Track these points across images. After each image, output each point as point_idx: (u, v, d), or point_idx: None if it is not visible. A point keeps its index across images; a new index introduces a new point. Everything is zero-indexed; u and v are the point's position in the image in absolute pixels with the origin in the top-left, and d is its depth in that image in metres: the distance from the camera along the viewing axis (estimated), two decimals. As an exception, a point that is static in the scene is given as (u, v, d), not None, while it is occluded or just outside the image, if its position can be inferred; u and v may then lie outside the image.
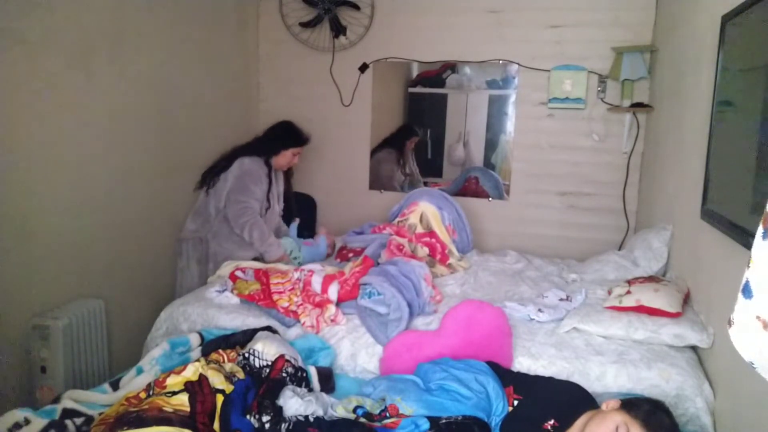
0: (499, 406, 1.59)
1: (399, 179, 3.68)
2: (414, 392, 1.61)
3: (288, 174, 3.05)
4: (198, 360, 1.63)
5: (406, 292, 2.12)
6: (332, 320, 2.09)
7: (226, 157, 2.79)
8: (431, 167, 3.62)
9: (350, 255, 2.78)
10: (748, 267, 0.66)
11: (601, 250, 2.89)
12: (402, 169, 3.67)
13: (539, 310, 2.17)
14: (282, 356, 1.68)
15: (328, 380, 1.75)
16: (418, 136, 3.60)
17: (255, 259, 2.73)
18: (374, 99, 3.60)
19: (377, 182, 3.69)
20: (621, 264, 2.50)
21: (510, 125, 3.41)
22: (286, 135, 2.86)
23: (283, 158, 2.86)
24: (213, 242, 2.76)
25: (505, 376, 1.72)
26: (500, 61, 3.35)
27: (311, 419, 1.45)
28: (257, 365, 1.67)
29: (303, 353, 1.86)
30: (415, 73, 3.54)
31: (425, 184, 3.59)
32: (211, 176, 2.77)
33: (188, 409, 1.41)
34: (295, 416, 1.45)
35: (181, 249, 2.83)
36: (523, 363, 1.87)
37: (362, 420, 1.50)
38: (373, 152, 3.67)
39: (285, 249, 2.78)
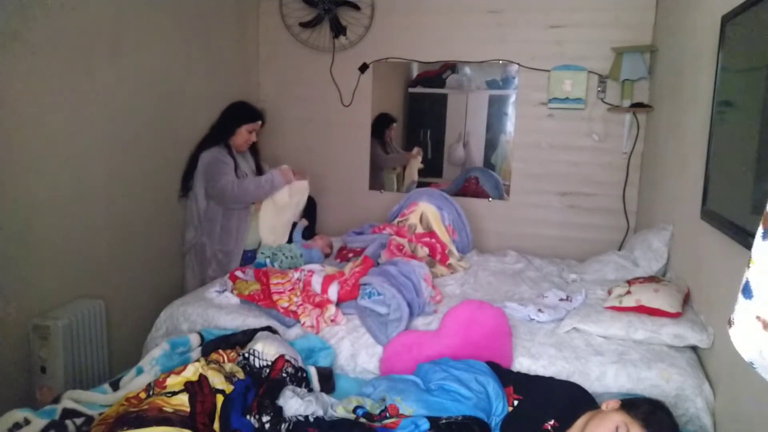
0: (499, 406, 1.59)
1: (386, 157, 3.72)
2: (414, 392, 1.61)
3: (255, 154, 3.04)
4: (198, 360, 1.63)
5: (406, 292, 2.12)
6: (332, 320, 2.09)
7: (192, 157, 2.82)
8: (431, 167, 3.62)
9: (350, 255, 2.78)
10: (748, 267, 0.66)
11: (601, 250, 2.89)
12: (385, 154, 3.72)
13: (539, 310, 2.17)
14: (282, 356, 1.68)
15: (328, 380, 1.75)
16: (396, 122, 3.66)
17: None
18: (374, 99, 3.60)
19: (372, 176, 3.71)
20: (621, 264, 2.50)
21: (510, 125, 3.41)
22: (236, 113, 2.86)
23: (239, 137, 2.84)
24: (208, 244, 2.79)
25: (505, 376, 1.71)
26: (500, 61, 3.35)
27: (311, 419, 1.45)
28: (257, 365, 1.67)
29: (303, 353, 1.86)
30: (415, 73, 3.54)
31: (425, 184, 3.60)
32: (186, 181, 2.82)
33: (188, 409, 1.41)
34: (295, 416, 1.45)
35: (186, 262, 2.88)
36: (523, 363, 1.87)
37: (362, 420, 1.49)
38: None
39: (292, 252, 2.78)
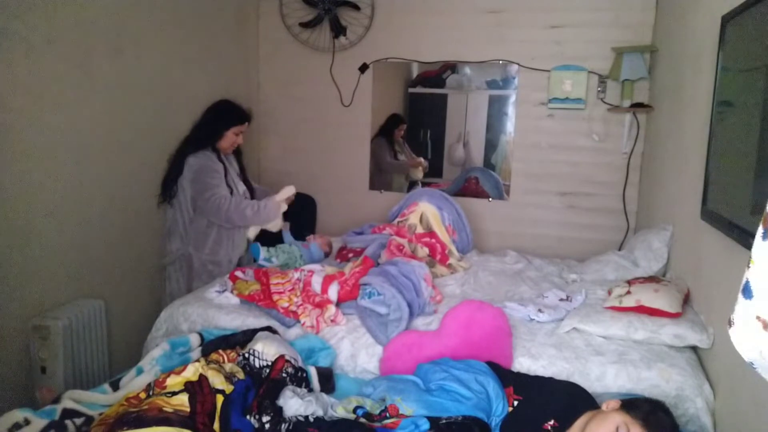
0: (499, 406, 1.59)
1: (393, 162, 3.70)
2: (414, 392, 1.61)
3: (238, 155, 2.83)
4: (198, 360, 1.63)
5: (406, 292, 2.12)
6: (332, 320, 2.09)
7: (175, 161, 2.60)
8: (431, 167, 3.62)
9: (350, 255, 2.78)
10: (748, 267, 0.66)
11: (601, 250, 2.89)
12: (394, 156, 3.69)
13: (539, 310, 2.17)
14: (282, 356, 1.68)
15: (328, 380, 1.75)
16: (405, 123, 3.64)
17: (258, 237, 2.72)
18: (374, 99, 3.60)
19: (377, 176, 3.71)
20: (621, 264, 2.50)
21: (510, 125, 3.41)
22: (223, 115, 2.65)
23: (226, 140, 2.65)
24: (196, 255, 2.61)
25: (505, 376, 1.71)
26: (500, 62, 3.35)
27: (311, 419, 1.45)
28: (257, 365, 1.67)
29: (303, 353, 1.86)
30: (415, 73, 3.54)
31: (425, 184, 3.60)
32: (169, 186, 2.59)
33: (188, 410, 1.41)
34: (295, 416, 1.45)
35: (167, 273, 2.66)
36: (523, 363, 1.87)
37: (362, 420, 1.49)
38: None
39: (290, 253, 2.76)
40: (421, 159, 3.63)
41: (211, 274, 2.63)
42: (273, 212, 2.66)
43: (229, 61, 3.46)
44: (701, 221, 1.87)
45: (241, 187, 2.76)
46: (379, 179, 3.71)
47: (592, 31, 3.17)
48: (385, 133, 3.67)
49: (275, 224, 2.73)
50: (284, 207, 2.74)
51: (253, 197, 2.83)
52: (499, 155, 3.48)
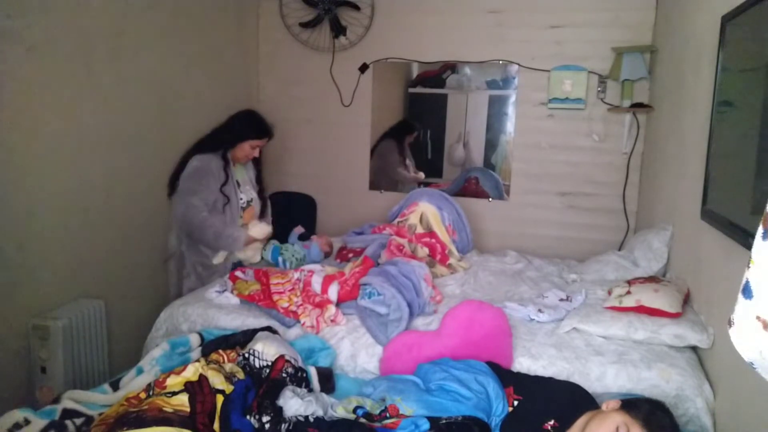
0: (499, 406, 1.59)
1: (402, 172, 3.69)
2: (414, 392, 1.61)
3: (257, 165, 2.79)
4: (198, 360, 1.63)
5: (406, 292, 2.12)
6: (332, 320, 2.09)
7: (184, 157, 2.56)
8: (431, 167, 3.62)
9: (350, 255, 2.78)
10: (748, 267, 0.66)
11: (601, 250, 2.89)
12: (403, 162, 3.68)
13: (539, 310, 2.17)
14: (282, 356, 1.68)
15: (328, 380, 1.75)
16: (416, 132, 3.62)
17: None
18: (374, 99, 3.60)
19: (381, 176, 3.70)
20: (621, 264, 2.50)
21: (510, 125, 3.41)
22: (244, 126, 2.59)
23: (241, 151, 2.58)
24: (188, 254, 2.58)
25: (505, 376, 1.71)
26: (500, 62, 3.35)
27: (311, 419, 1.45)
28: (257, 365, 1.67)
29: (303, 353, 1.86)
30: (415, 73, 3.54)
31: (425, 184, 3.60)
32: (172, 182, 2.54)
33: (188, 410, 1.41)
34: (295, 416, 1.45)
35: (168, 267, 2.67)
36: (523, 363, 1.86)
37: (362, 420, 1.49)
38: (374, 146, 3.69)
39: (291, 254, 2.75)
40: (422, 174, 3.65)
41: (200, 277, 2.59)
42: (236, 247, 2.58)
43: (229, 61, 3.46)
44: (701, 221, 1.87)
45: (247, 196, 2.70)
46: (384, 180, 3.70)
47: (592, 31, 3.17)
48: (394, 136, 3.65)
49: (251, 255, 2.71)
50: (257, 245, 2.72)
51: (264, 209, 2.81)
52: (499, 155, 3.48)
